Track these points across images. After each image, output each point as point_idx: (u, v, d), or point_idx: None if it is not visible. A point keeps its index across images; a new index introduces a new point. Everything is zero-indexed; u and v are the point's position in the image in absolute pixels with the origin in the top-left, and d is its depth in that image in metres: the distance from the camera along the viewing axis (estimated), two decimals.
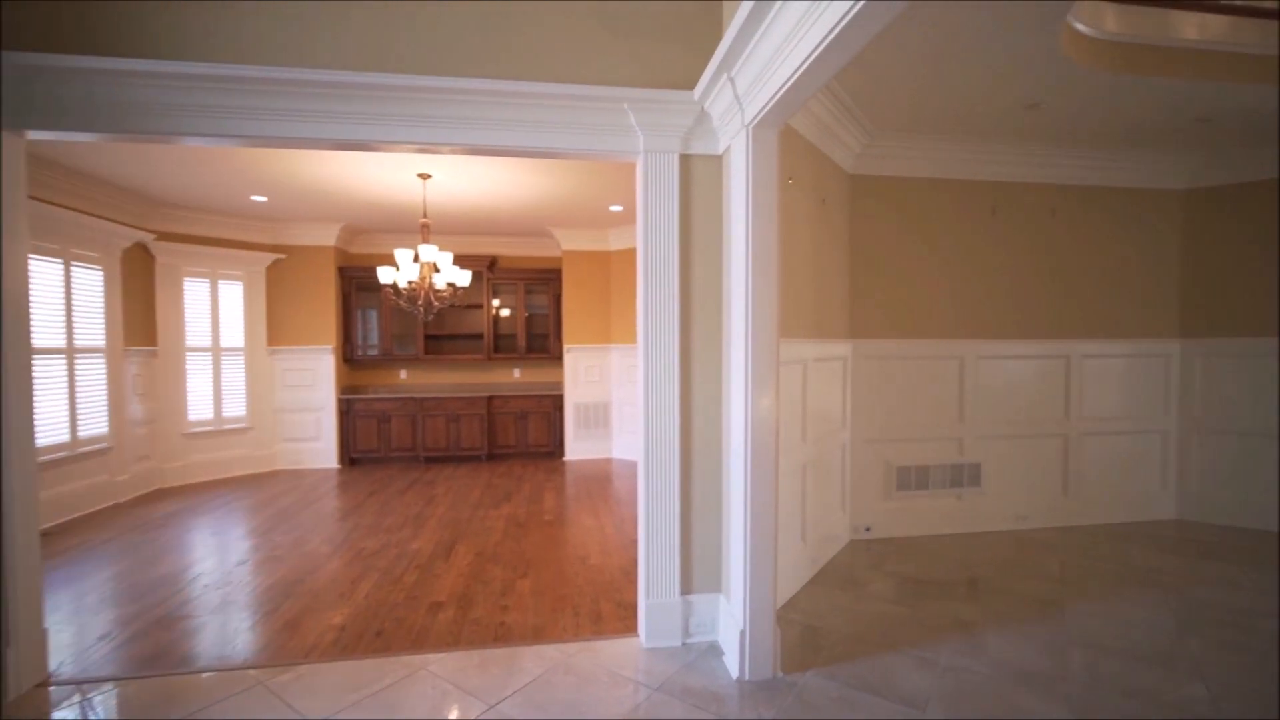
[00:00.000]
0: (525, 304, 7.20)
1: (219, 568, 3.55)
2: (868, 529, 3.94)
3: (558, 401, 6.99)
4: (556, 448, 7.01)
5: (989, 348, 4.12)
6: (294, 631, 2.73)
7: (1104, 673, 2.34)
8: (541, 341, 7.34)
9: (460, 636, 2.67)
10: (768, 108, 2.02)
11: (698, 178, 2.56)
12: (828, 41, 1.61)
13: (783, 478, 2.99)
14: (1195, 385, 4.33)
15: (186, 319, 5.79)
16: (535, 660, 2.46)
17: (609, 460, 6.84)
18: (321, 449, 6.57)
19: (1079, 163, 4.13)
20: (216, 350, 6.03)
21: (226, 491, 5.47)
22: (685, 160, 2.55)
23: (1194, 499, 4.33)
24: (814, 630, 2.70)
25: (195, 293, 5.87)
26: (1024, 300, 4.18)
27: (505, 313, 7.28)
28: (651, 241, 2.52)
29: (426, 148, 2.47)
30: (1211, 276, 4.28)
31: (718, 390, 2.61)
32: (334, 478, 6.01)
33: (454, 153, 2.52)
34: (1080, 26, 2.86)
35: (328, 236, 6.45)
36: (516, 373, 7.45)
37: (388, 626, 2.77)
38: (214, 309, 5.99)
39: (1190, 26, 3.04)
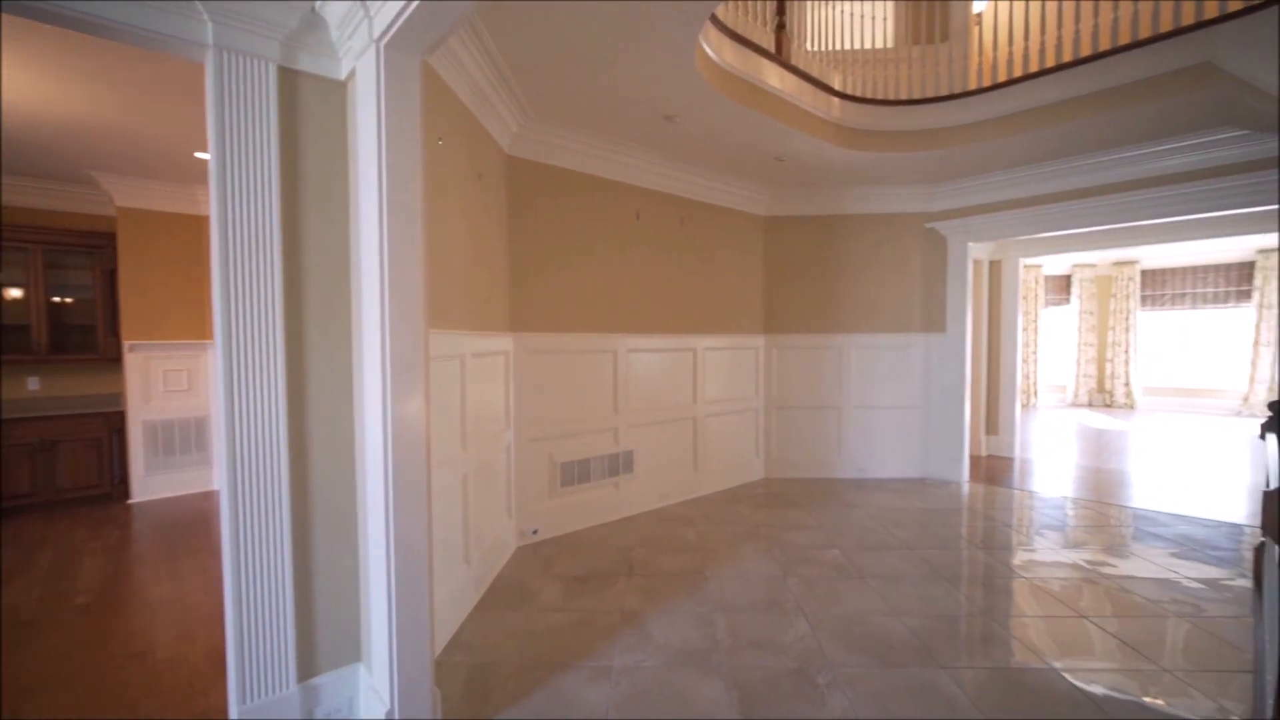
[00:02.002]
0: (48, 281, 4.85)
1: None
2: (535, 531, 3.77)
3: (114, 420, 4.92)
4: (116, 487, 4.93)
5: (637, 342, 4.41)
6: None
7: (739, 631, 2.60)
8: (82, 336, 5.07)
9: None
10: (403, 19, 1.53)
11: (311, 104, 1.88)
12: None
13: (441, 493, 2.52)
14: (773, 371, 5.52)
15: None
16: None
17: (208, 494, 5.14)
18: None
19: (702, 181, 4.77)
20: None
21: None
22: (289, 77, 1.83)
23: (774, 461, 5.52)
24: (484, 669, 2.32)
25: None
26: (663, 298, 4.62)
27: (15, 293, 4.79)
28: (235, 184, 1.74)
29: None
30: (778, 286, 5.50)
31: (348, 394, 1.98)
32: None
33: None
34: (709, 50, 3.18)
35: None
36: (33, 383, 4.98)
37: None
38: None
39: (773, 77, 3.73)
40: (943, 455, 5.36)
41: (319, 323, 1.91)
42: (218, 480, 5.31)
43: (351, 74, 1.85)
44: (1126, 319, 10.54)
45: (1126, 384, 10.61)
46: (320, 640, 1.94)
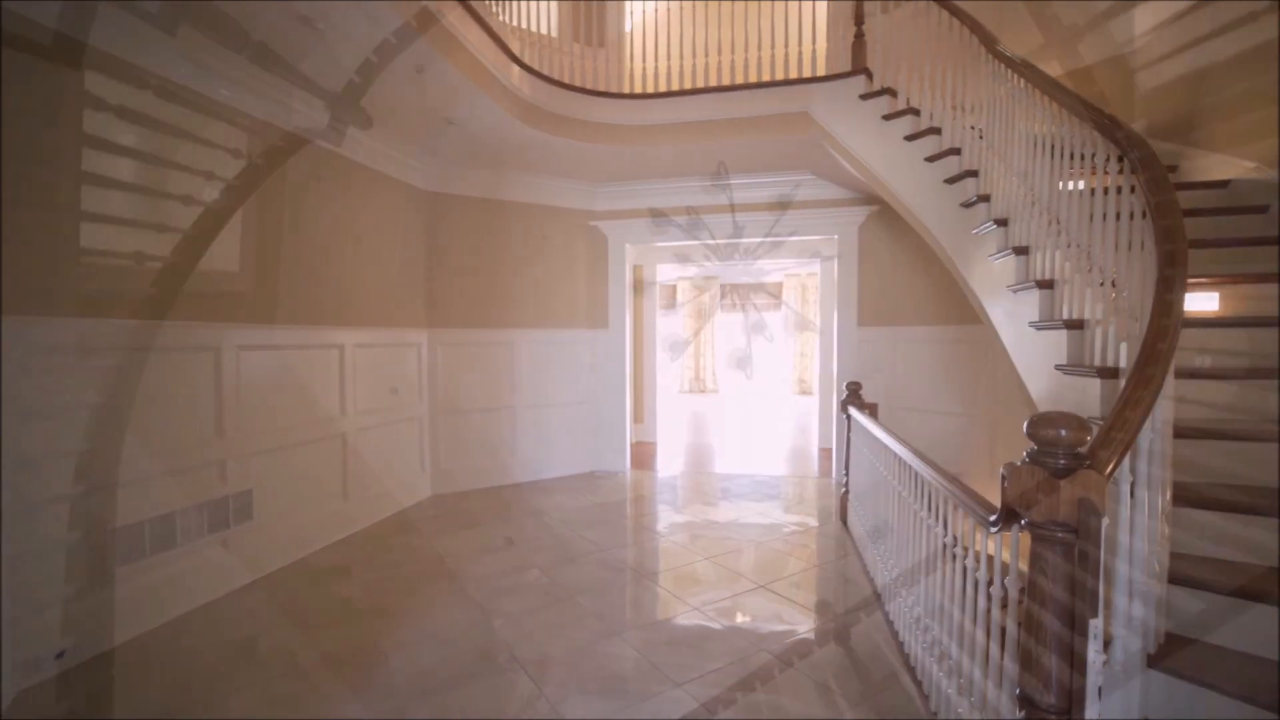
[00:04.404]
0: None
1: None
2: (60, 655, 2.22)
3: None
4: None
5: (252, 335, 3.13)
6: None
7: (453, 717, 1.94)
8: None
9: None
10: None
11: None
12: None
13: None
14: (439, 370, 4.79)
15: None
16: None
17: None
18: None
19: (351, 131, 3.70)
20: None
21: None
22: None
23: (444, 474, 4.80)
24: None
25: None
26: (293, 278, 3.42)
27: None
28: None
29: None
30: (443, 274, 4.80)
31: None
32: None
33: None
34: None
35: None
36: None
37: None
38: None
39: (455, 16, 3.08)
40: (609, 447, 5.55)
41: None
42: None
43: None
44: (712, 321, 13.31)
45: (713, 373, 13.41)
46: None
